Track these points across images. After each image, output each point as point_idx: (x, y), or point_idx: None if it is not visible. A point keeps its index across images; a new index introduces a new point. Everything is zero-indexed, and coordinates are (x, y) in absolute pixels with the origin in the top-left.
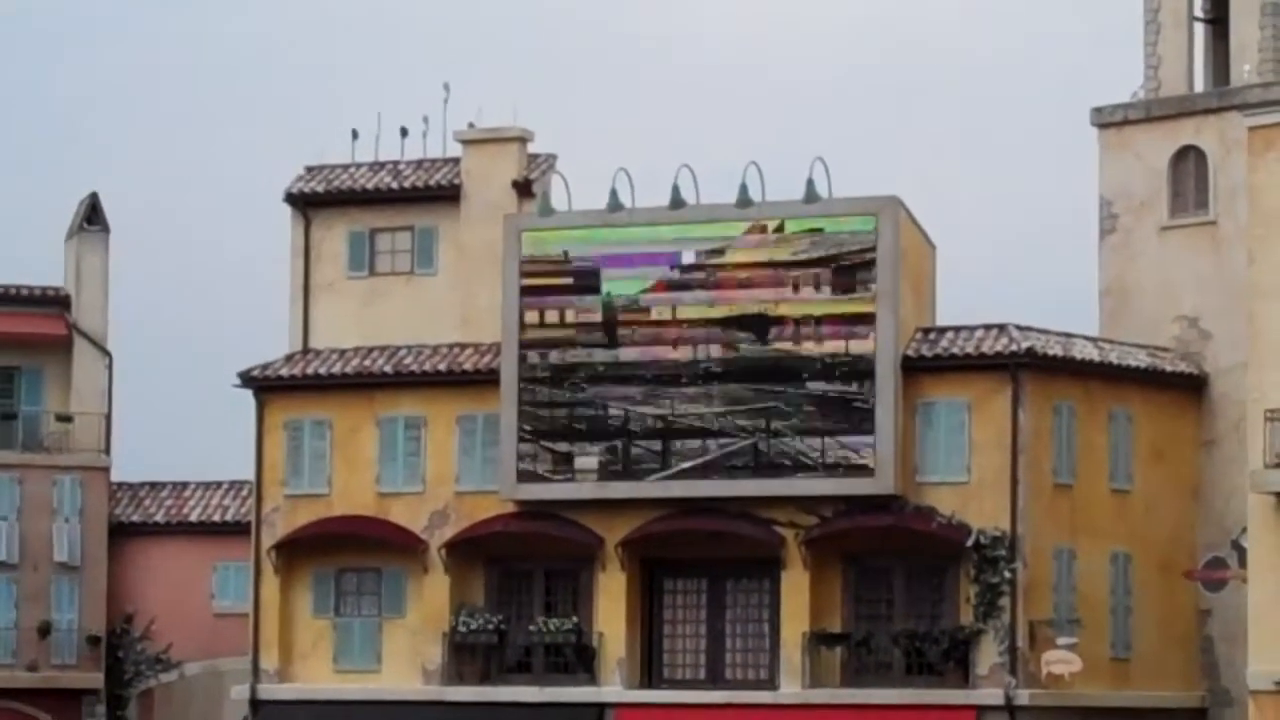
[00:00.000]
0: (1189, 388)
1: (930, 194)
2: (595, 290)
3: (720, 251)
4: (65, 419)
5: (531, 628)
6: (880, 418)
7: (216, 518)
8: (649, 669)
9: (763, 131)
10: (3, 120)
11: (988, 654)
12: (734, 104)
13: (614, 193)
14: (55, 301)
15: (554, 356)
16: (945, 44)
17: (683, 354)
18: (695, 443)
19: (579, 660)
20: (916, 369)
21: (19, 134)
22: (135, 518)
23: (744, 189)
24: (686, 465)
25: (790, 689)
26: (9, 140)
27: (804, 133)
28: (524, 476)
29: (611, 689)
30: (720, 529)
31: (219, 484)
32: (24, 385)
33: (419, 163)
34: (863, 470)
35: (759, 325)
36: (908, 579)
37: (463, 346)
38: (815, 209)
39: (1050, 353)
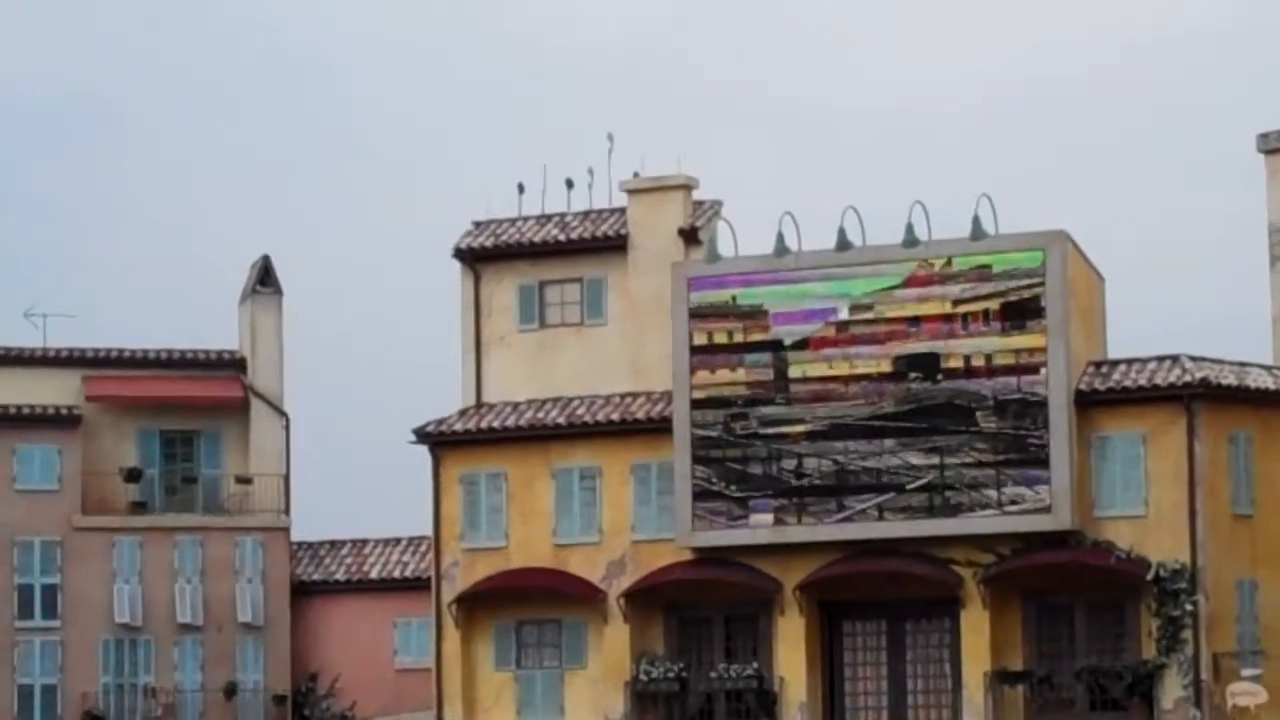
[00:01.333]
0: None
1: (1096, 226)
2: (765, 336)
3: (888, 292)
4: (245, 481)
5: (712, 674)
6: (1055, 453)
7: (396, 574)
8: (831, 713)
9: (925, 171)
10: (175, 186)
11: (1172, 688)
12: (896, 144)
13: (780, 236)
14: (231, 364)
15: (725, 403)
16: (1105, 76)
17: (853, 395)
18: (869, 483)
19: (760, 706)
20: (1090, 403)
21: (191, 199)
22: (316, 576)
23: (910, 229)
24: (861, 507)
25: None
26: (182, 206)
27: (967, 171)
28: (699, 524)
29: None
30: (898, 570)
31: (398, 540)
32: (203, 449)
33: (585, 214)
34: (1039, 507)
35: (929, 365)
36: (1088, 614)
37: (634, 395)
38: (982, 246)
39: (1224, 382)
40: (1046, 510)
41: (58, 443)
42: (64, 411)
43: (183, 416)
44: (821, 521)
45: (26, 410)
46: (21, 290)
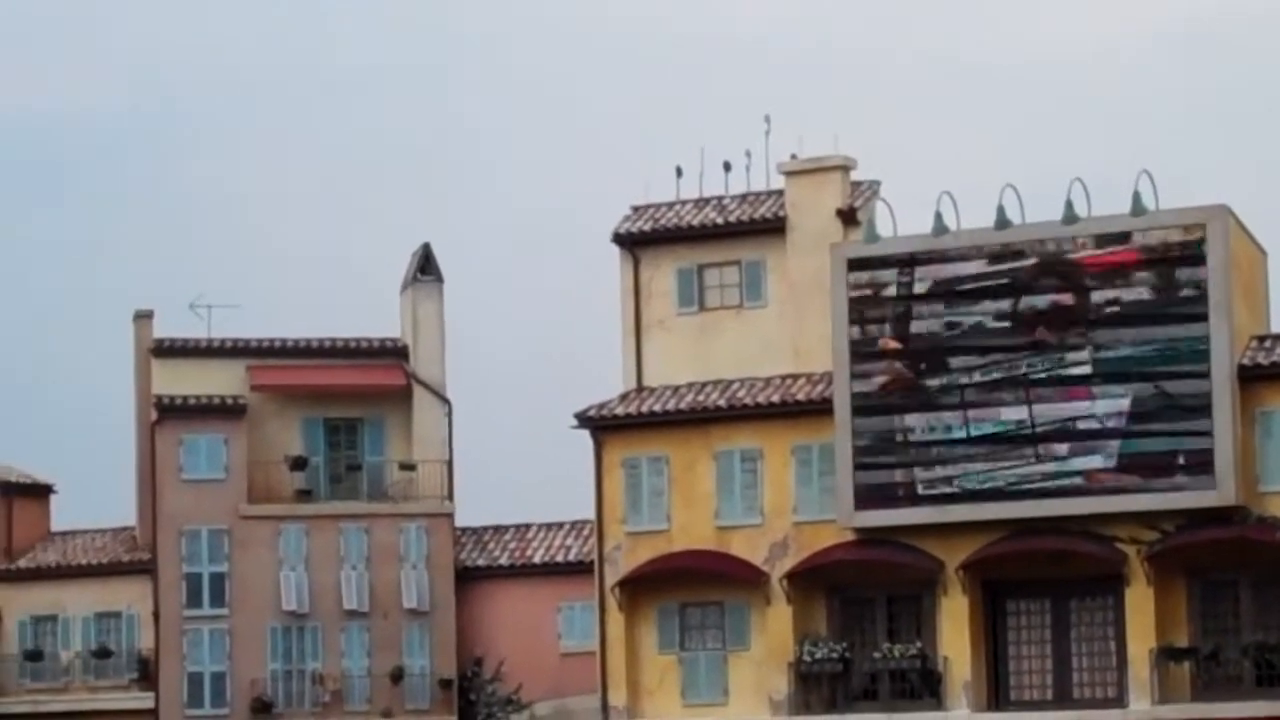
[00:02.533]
0: None
1: (1259, 200)
2: (925, 315)
3: (1049, 268)
4: (409, 467)
5: (876, 654)
6: (1219, 428)
7: (559, 558)
8: (995, 691)
9: (1084, 147)
10: (337, 176)
11: None
12: (1054, 121)
13: (938, 216)
14: (394, 353)
15: (886, 382)
16: (1263, 43)
17: (1014, 372)
18: (1032, 460)
19: (924, 685)
20: (1253, 378)
21: (353, 189)
22: (480, 562)
23: (1069, 205)
24: (1025, 485)
25: (1140, 706)
26: (344, 195)
27: (1127, 146)
28: (862, 504)
29: (959, 713)
30: (1061, 548)
31: (560, 524)
32: (367, 436)
33: (743, 196)
34: (1204, 483)
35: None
36: (1254, 590)
37: (795, 377)
38: (1142, 221)
39: None
40: (1211, 486)
41: (224, 432)
42: (229, 401)
43: (346, 404)
44: (984, 502)
45: (193, 400)
46: (187, 282)
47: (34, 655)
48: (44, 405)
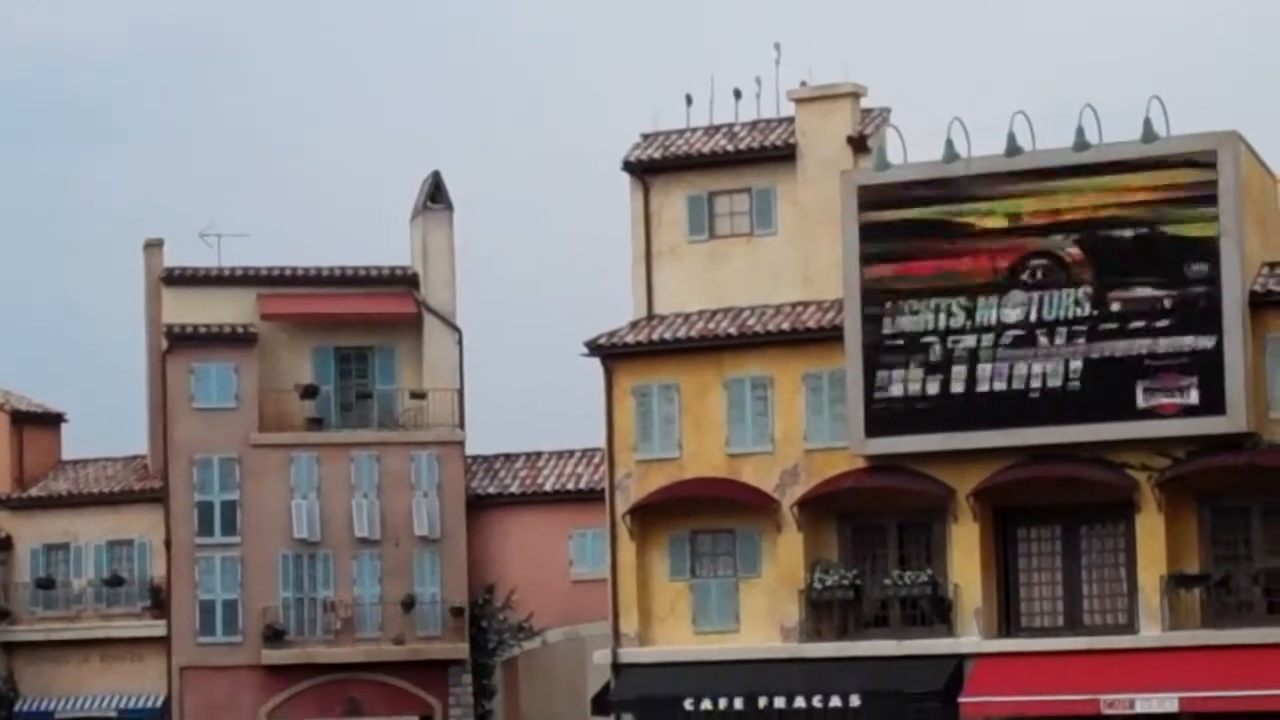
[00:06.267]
0: None
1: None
2: (932, 239)
3: (1057, 195)
4: (419, 396)
5: (886, 581)
6: (1229, 356)
7: (570, 486)
8: (1006, 618)
9: (1094, 72)
10: (346, 104)
11: None
12: (1063, 47)
13: (949, 143)
14: (404, 281)
15: (897, 309)
16: None
17: (1029, 300)
18: (1041, 388)
19: (935, 612)
20: (1264, 304)
21: (361, 118)
22: (491, 489)
23: (1080, 132)
24: (1034, 412)
25: (1150, 632)
26: (352, 125)
27: (1138, 71)
28: (872, 431)
29: (969, 639)
30: (1072, 475)
31: (571, 452)
32: (378, 364)
33: (753, 124)
34: (1214, 410)
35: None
36: (1265, 517)
37: (805, 305)
38: (1153, 148)
39: None
40: (1222, 413)
41: (234, 361)
42: (240, 330)
43: (357, 333)
44: (995, 429)
45: (203, 329)
46: (196, 211)
47: (46, 583)
48: (54, 334)
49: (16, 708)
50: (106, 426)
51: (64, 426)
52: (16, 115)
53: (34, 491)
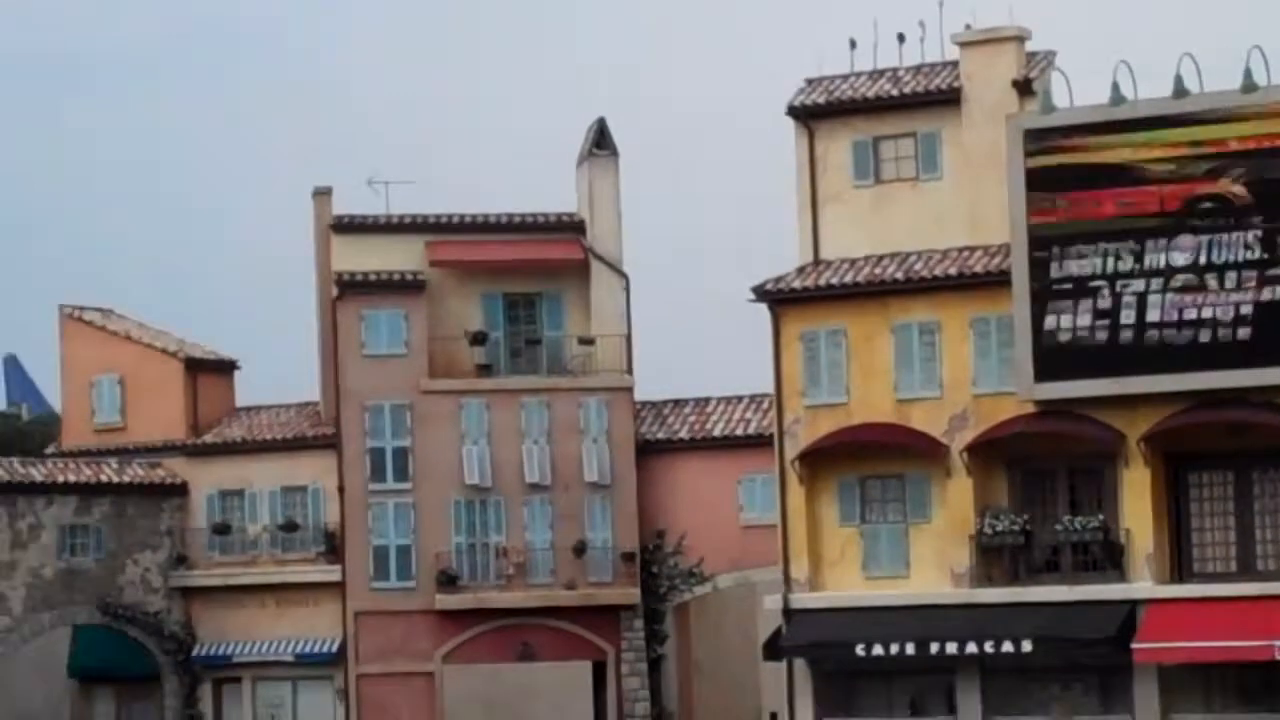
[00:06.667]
0: None
1: None
2: (1099, 182)
3: (1225, 137)
4: (587, 342)
5: (1057, 527)
6: None
7: (739, 431)
8: (1178, 564)
9: (1261, 12)
10: (513, 51)
11: None
12: None
13: (1115, 86)
14: (571, 227)
15: (1064, 253)
16: None
17: (1197, 244)
18: (1211, 332)
19: (1107, 558)
20: None
21: (529, 63)
22: (660, 435)
23: (1247, 73)
24: (1204, 356)
25: None
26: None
27: None
28: (1041, 376)
29: (1142, 585)
30: (1244, 419)
31: (739, 398)
32: (545, 310)
33: (918, 68)
34: None
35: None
36: None
37: (972, 249)
38: None
39: None
40: None
41: (404, 308)
42: (409, 277)
43: (524, 279)
44: (1166, 373)
45: (373, 276)
46: (364, 158)
47: (222, 529)
48: (228, 282)
49: (194, 652)
50: (279, 373)
51: (237, 374)
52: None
53: (209, 438)
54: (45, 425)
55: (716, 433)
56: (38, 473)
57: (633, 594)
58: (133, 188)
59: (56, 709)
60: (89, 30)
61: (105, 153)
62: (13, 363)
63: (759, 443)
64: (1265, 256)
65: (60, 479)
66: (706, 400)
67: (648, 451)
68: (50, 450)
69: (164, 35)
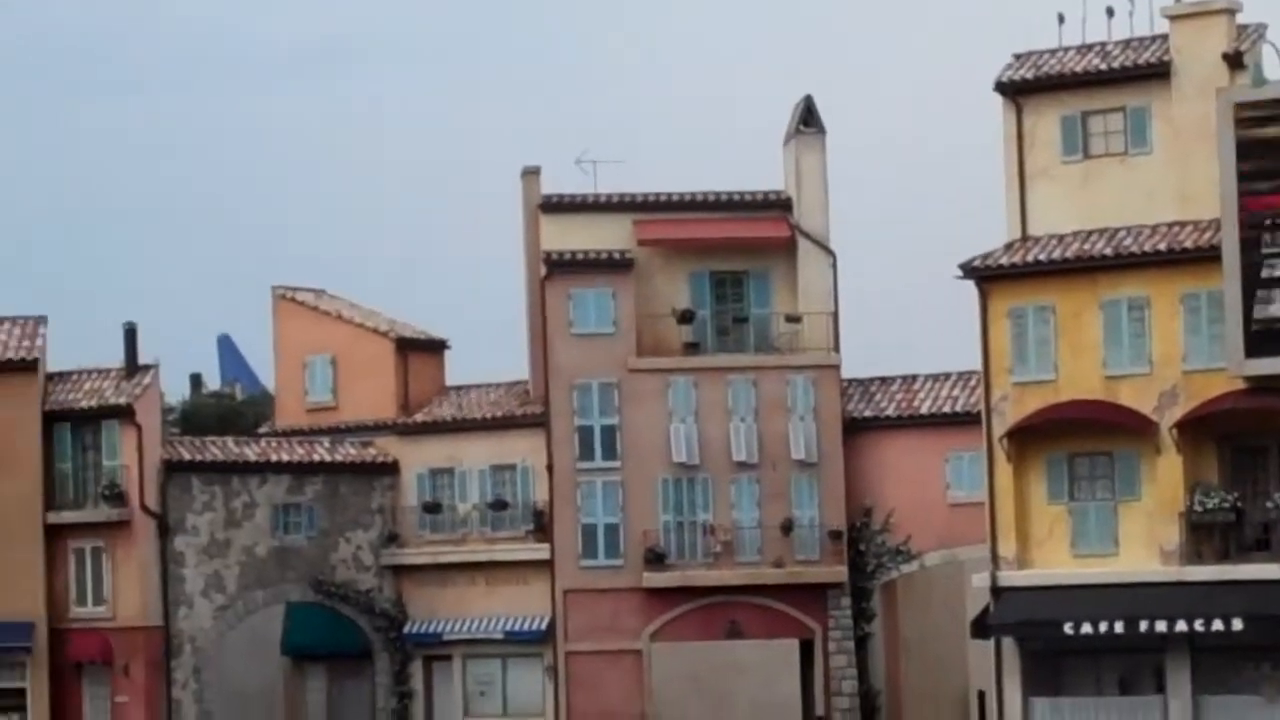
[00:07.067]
0: None
1: None
2: None
3: None
4: (795, 319)
5: (1268, 504)
6: None
7: (946, 409)
8: None
9: None
10: (721, 29)
11: None
12: None
13: None
14: (778, 205)
15: (1276, 227)
16: None
17: None
18: None
19: None
20: None
21: (734, 41)
22: (867, 413)
23: None
24: None
25: None
26: (727, 48)
27: None
28: (1252, 352)
29: None
30: None
31: (947, 375)
32: (752, 288)
33: (1127, 42)
34: None
35: None
36: None
37: (1182, 225)
38: None
39: None
40: None
41: (611, 286)
42: (617, 256)
43: (732, 257)
44: None
45: (581, 255)
46: (572, 138)
47: (433, 507)
48: (437, 262)
49: (405, 630)
50: (488, 352)
51: (447, 353)
52: (403, 46)
53: (419, 417)
54: (258, 405)
55: (923, 410)
56: (251, 452)
57: (840, 572)
58: (342, 170)
59: (270, 687)
60: (307, 16)
61: (314, 135)
62: (226, 343)
63: (966, 420)
64: None
65: (273, 458)
66: (913, 377)
67: (854, 429)
68: (263, 430)
69: (379, 19)
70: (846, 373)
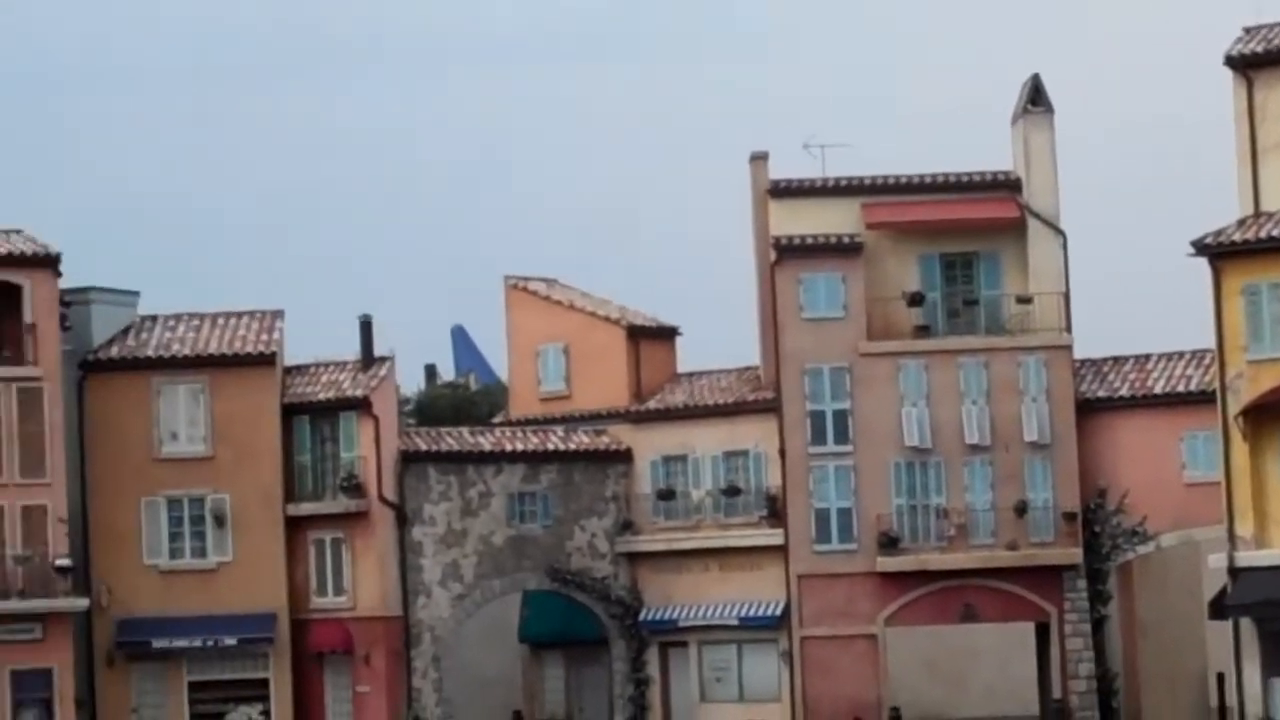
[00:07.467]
0: None
1: None
2: None
3: None
4: (1025, 300)
5: None
6: None
7: (1180, 388)
8: None
9: None
10: (945, 11)
11: None
12: None
13: None
14: (1006, 185)
15: None
16: None
17: None
18: None
19: None
20: None
21: (961, 23)
22: (1100, 393)
23: None
24: None
25: None
26: (954, 31)
27: None
28: None
29: None
30: None
31: (1180, 354)
32: (982, 270)
33: None
34: None
35: None
36: None
37: None
38: None
39: None
40: None
41: (841, 270)
42: (846, 240)
43: (961, 239)
44: None
45: (810, 240)
46: (800, 122)
47: (666, 494)
48: (668, 249)
49: (641, 616)
50: (719, 338)
51: (678, 340)
52: (619, 36)
53: (652, 404)
54: (492, 394)
55: (1157, 390)
56: (486, 441)
57: (1075, 554)
58: (569, 159)
59: (509, 674)
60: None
61: (546, 126)
62: (460, 333)
63: (1201, 399)
64: None
65: (508, 447)
66: (1147, 357)
67: (1088, 410)
68: (498, 419)
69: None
70: (1078, 353)
